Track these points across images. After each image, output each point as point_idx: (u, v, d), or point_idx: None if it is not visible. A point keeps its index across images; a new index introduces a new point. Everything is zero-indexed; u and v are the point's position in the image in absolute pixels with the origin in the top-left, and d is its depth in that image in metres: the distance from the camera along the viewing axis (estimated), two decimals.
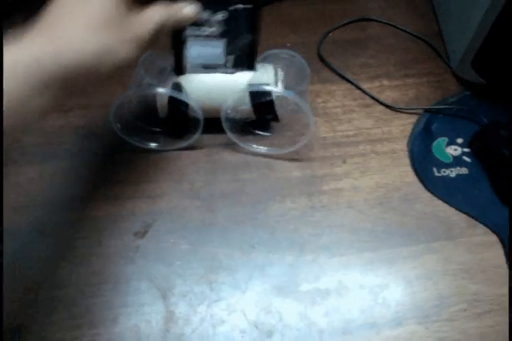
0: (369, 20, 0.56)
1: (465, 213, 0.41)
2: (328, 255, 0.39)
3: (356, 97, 0.49)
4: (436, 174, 0.43)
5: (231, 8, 0.38)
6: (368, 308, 0.36)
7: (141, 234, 0.40)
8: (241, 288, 0.37)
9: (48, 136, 0.46)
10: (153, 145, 0.45)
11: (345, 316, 0.36)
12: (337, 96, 0.49)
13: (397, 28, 0.55)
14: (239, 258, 0.39)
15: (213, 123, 0.42)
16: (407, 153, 0.45)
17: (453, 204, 0.42)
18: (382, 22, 0.56)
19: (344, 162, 0.45)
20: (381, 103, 0.49)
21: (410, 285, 0.37)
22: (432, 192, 0.42)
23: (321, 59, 0.52)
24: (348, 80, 0.50)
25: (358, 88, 0.50)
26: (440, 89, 0.50)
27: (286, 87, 0.42)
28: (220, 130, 0.43)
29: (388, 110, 0.48)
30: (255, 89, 0.41)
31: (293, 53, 0.47)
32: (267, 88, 0.41)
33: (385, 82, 0.51)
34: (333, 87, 0.50)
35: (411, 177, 0.44)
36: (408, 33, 0.55)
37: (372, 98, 0.49)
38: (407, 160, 0.45)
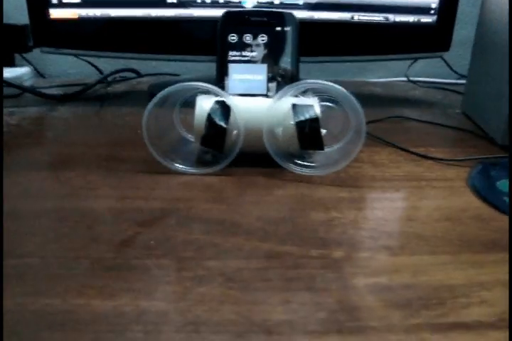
0: (407, 118, 0.59)
1: None
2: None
3: (403, 154, 0.48)
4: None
5: (271, 31, 0.38)
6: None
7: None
8: None
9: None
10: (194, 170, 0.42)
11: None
12: (382, 154, 0.48)
13: (435, 123, 0.58)
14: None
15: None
16: (467, 188, 0.41)
17: None
18: (419, 120, 0.59)
19: (397, 191, 0.40)
20: (429, 157, 0.47)
21: None
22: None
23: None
24: (393, 145, 0.50)
25: (404, 150, 0.48)
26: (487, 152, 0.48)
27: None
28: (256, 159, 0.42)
29: (437, 162, 0.46)
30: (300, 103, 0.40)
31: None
32: (310, 102, 0.40)
33: (431, 149, 0.49)
34: (378, 148, 0.49)
35: (477, 202, 0.38)
36: (445, 126, 0.57)
37: (420, 155, 0.47)
38: (469, 193, 0.40)
